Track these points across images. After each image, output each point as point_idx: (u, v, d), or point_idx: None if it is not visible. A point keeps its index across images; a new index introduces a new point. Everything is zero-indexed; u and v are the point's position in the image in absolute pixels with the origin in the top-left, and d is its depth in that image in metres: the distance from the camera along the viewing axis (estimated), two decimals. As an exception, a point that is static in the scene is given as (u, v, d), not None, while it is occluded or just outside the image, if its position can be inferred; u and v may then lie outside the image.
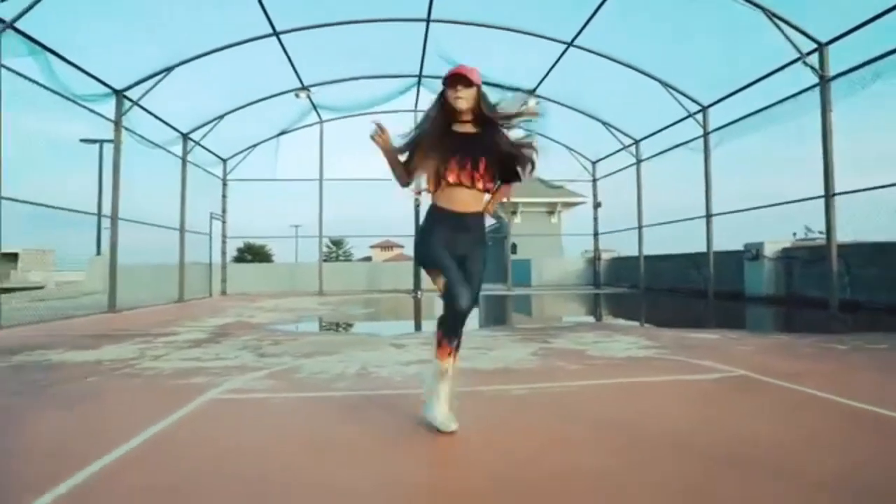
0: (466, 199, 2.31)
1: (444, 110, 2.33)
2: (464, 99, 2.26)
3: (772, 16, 7.66)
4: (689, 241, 11.66)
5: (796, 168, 9.02)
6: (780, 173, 9.88)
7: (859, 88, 7.14)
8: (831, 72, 7.60)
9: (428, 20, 9.46)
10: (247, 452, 2.13)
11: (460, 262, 2.29)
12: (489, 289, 17.45)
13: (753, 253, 9.97)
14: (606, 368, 3.82)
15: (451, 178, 2.26)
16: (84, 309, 8.68)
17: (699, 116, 10.45)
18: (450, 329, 2.26)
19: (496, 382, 3.37)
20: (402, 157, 2.38)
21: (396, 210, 18.87)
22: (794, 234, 10.09)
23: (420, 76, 12.17)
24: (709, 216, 10.60)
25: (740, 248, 10.48)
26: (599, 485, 1.78)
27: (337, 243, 49.81)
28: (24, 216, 6.93)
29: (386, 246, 55.41)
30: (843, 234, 7.74)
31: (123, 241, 8.85)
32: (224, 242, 14.36)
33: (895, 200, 7.52)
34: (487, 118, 2.33)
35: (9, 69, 6.39)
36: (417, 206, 13.67)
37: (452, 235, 2.31)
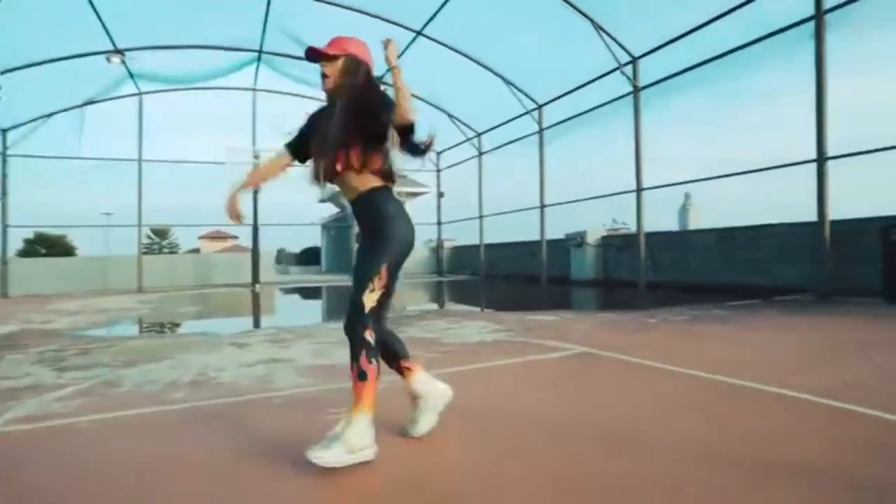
0: (347, 188, 2.09)
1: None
2: (329, 78, 2.00)
3: (598, 28, 8.57)
4: (525, 230, 12.67)
5: (615, 164, 10.28)
6: (600, 168, 11.22)
7: (659, 98, 8.37)
8: (642, 82, 8.78)
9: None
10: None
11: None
12: (330, 280, 17.03)
13: (578, 241, 11.18)
14: (462, 355, 3.87)
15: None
16: None
17: (535, 114, 11.33)
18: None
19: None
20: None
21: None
22: (604, 224, 11.61)
23: (260, 52, 11.21)
24: (542, 207, 11.61)
25: (562, 236, 11.68)
26: (473, 480, 1.74)
27: (160, 233, 44.29)
28: None
29: (217, 236, 50.66)
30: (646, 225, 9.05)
31: None
32: (4, 232, 11.65)
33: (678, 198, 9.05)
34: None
35: None
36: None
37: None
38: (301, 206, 28.07)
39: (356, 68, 2.02)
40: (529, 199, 12.01)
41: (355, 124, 1.94)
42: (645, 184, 8.81)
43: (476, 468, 1.80)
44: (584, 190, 10.53)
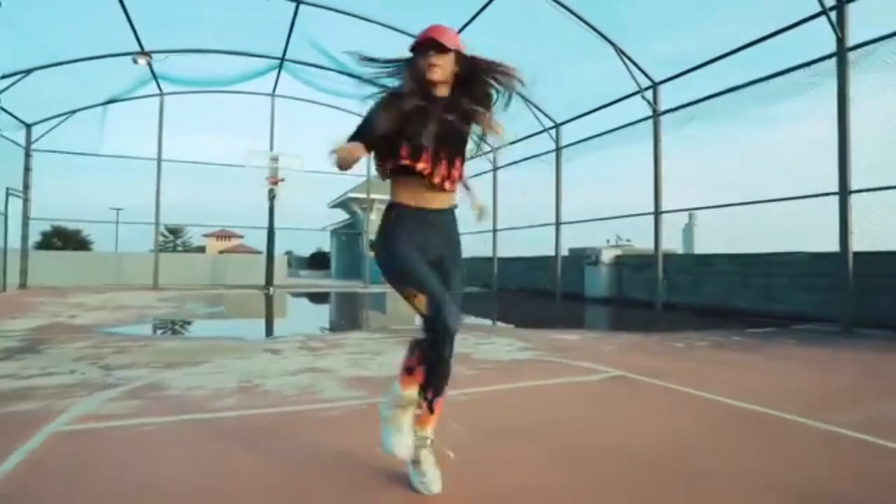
0: (439, 196, 1.91)
1: (413, 81, 1.87)
2: (439, 68, 1.83)
3: (620, 52, 8.70)
4: (536, 244, 12.73)
5: (631, 184, 10.36)
6: (615, 187, 11.32)
7: (680, 126, 8.50)
8: (662, 107, 8.89)
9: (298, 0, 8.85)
10: None
11: (437, 269, 1.88)
12: (341, 286, 17.08)
13: (593, 258, 11.23)
14: (500, 373, 3.90)
15: (421, 168, 1.84)
16: None
17: (553, 132, 11.45)
18: (435, 358, 1.79)
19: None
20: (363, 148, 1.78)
21: (239, 197, 17.55)
22: (608, 240, 11.71)
23: (283, 59, 11.37)
24: (558, 224, 11.68)
25: (565, 252, 11.78)
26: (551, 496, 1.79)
27: (174, 232, 44.45)
28: None
29: (222, 235, 50.81)
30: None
31: None
32: (26, 225, 11.76)
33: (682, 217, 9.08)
34: (468, 75, 1.92)
35: None
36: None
37: (424, 235, 1.88)
38: (308, 210, 28.13)
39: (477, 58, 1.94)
40: (543, 215, 12.08)
41: (467, 134, 1.97)
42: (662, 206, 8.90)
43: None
44: (597, 207, 10.61)
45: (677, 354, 4.83)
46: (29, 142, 11.57)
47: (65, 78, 10.53)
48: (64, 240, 25.94)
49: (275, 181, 12.72)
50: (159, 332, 6.32)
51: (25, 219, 11.64)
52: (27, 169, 11.56)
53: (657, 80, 8.90)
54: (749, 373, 4.04)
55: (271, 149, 13.62)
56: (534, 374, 3.88)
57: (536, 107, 11.16)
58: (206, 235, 52.22)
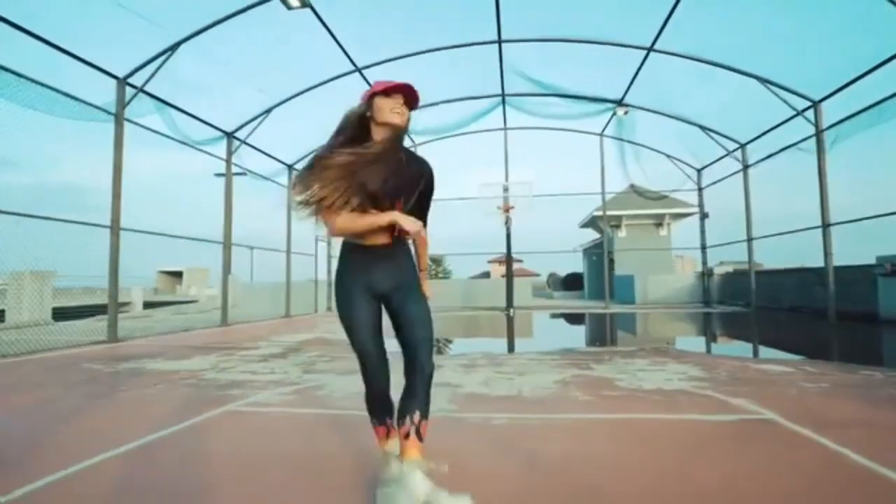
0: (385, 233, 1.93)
1: (361, 124, 1.91)
2: (401, 116, 1.88)
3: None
4: (815, 253, 10.23)
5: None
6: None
7: None
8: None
9: (500, 41, 9.61)
10: (214, 459, 2.46)
11: (391, 302, 1.93)
12: (585, 307, 16.83)
13: (888, 269, 8.48)
14: (618, 401, 3.60)
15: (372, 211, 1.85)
16: (207, 322, 10.10)
17: (809, 113, 9.19)
18: (372, 409, 2.06)
19: (488, 410, 3.38)
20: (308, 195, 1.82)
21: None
22: None
23: (503, 95, 12.33)
24: (826, 226, 9.22)
25: (873, 261, 8.99)
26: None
27: (436, 261, 51.12)
28: (184, 242, 8.57)
29: (503, 261, 55.67)
30: None
31: (256, 261, 10.26)
32: (329, 262, 15.67)
33: None
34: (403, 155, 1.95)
35: (144, 127, 7.84)
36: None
37: (370, 270, 1.92)
38: (562, 231, 28.56)
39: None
40: (813, 217, 9.69)
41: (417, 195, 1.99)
42: None
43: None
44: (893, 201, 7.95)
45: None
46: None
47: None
48: None
49: (507, 209, 13.70)
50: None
51: (329, 257, 15.56)
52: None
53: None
54: None
55: (506, 178, 14.74)
56: (654, 407, 3.43)
57: (782, 87, 9.21)
58: (490, 262, 58.20)
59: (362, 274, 1.92)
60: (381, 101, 1.86)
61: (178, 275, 36.38)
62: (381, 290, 1.93)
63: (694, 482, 2.15)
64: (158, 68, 7.59)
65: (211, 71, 8.33)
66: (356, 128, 1.90)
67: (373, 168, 1.84)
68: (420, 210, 2.00)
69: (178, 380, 4.55)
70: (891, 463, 2.25)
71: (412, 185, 1.93)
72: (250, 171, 10.82)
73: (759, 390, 3.84)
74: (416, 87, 1.90)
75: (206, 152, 9.44)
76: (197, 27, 7.50)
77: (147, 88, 7.78)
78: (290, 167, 12.72)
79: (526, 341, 8.48)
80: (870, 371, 4.64)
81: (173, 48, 7.55)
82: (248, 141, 10.34)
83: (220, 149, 9.87)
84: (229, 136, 9.95)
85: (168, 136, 8.50)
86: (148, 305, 18.24)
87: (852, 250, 9.38)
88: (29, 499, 2.06)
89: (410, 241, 2.08)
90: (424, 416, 1.79)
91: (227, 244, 9.98)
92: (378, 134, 1.90)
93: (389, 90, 1.86)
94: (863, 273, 9.14)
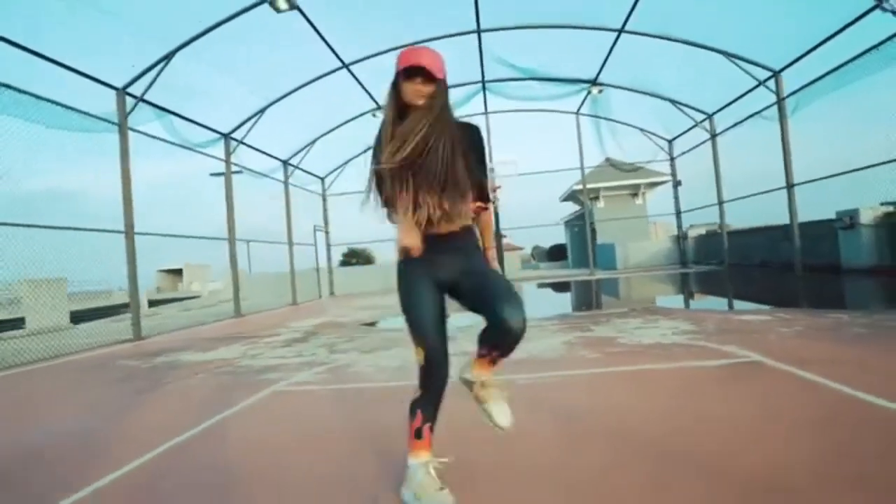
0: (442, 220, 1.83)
1: (396, 107, 1.83)
2: (422, 96, 1.78)
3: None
4: (781, 211, 10.81)
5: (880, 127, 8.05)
6: (862, 134, 8.89)
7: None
8: (923, 14, 6.77)
9: (479, 31, 9.91)
10: (273, 434, 2.89)
11: (460, 287, 1.85)
12: (572, 275, 17.45)
13: (847, 221, 9.07)
14: (623, 357, 4.05)
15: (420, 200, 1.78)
16: (219, 315, 10.47)
17: (770, 83, 9.71)
18: (425, 408, 1.90)
19: (509, 372, 3.80)
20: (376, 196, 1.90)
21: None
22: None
23: (483, 82, 12.69)
24: (790, 187, 9.81)
25: (833, 216, 9.59)
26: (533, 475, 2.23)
27: None
28: (182, 241, 8.86)
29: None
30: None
31: (255, 254, 10.61)
32: (328, 250, 16.02)
33: None
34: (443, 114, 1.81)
35: (145, 133, 8.07)
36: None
37: (433, 259, 1.83)
38: (546, 205, 29.15)
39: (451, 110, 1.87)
40: (779, 179, 10.25)
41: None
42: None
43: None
44: (851, 161, 8.46)
45: (879, 339, 3.97)
46: (324, 189, 15.76)
47: (337, 140, 14.00)
48: (357, 257, 33.35)
49: (494, 189, 14.09)
50: (386, 324, 8.06)
51: (328, 245, 15.93)
52: (325, 210, 15.79)
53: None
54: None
55: (490, 160, 15.11)
56: (653, 358, 3.88)
57: (745, 59, 9.67)
58: (475, 239, 59.04)
59: (427, 264, 1.82)
60: (402, 84, 1.79)
61: (177, 272, 36.53)
62: (447, 279, 1.85)
63: (709, 418, 2.52)
64: (157, 77, 7.80)
65: (207, 75, 8.54)
66: (396, 108, 1.83)
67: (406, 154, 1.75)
68: (466, 181, 1.83)
69: (215, 368, 4.94)
70: (862, 388, 2.70)
71: (445, 161, 1.77)
72: (247, 169, 11.08)
73: (744, 337, 4.35)
74: (432, 54, 1.78)
75: (206, 154, 9.70)
76: (191, 34, 7.70)
77: (146, 97, 8.00)
78: (285, 163, 12.97)
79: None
80: (836, 315, 5.18)
81: (169, 56, 7.76)
82: (245, 141, 10.59)
83: (219, 150, 10.12)
84: (227, 137, 10.19)
85: (169, 142, 8.73)
86: (153, 304, 18.53)
87: (816, 208, 9.94)
88: (118, 483, 2.28)
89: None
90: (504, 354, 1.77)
91: (231, 240, 10.30)
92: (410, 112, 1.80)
93: (406, 70, 1.76)
94: (825, 228, 9.74)
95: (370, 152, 1.94)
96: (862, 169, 8.04)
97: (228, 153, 10.25)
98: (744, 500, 1.70)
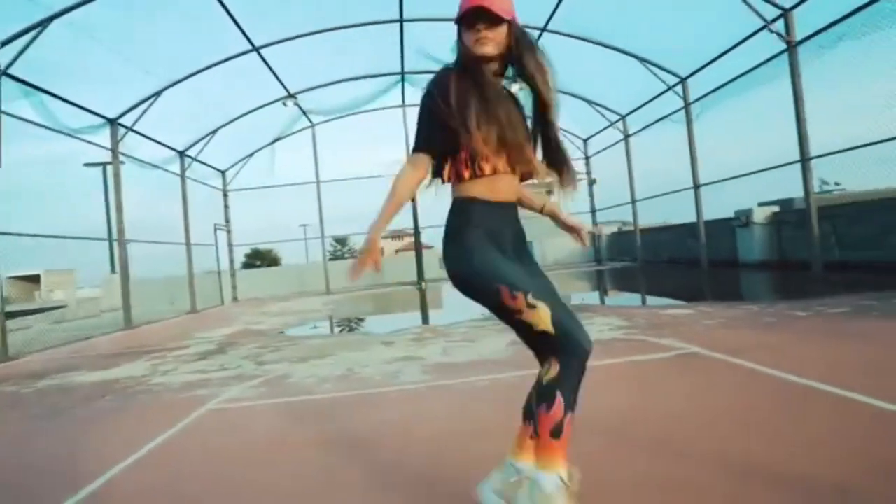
0: (510, 186, 1.59)
1: (464, 64, 1.53)
2: (490, 41, 1.48)
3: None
4: (688, 210, 11.78)
5: (771, 132, 9.13)
6: (758, 139, 10.02)
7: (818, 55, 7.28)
8: (797, 37, 7.68)
9: (401, 20, 9.67)
10: (223, 455, 2.50)
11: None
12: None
13: (743, 220, 10.13)
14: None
15: (501, 164, 1.51)
16: (104, 328, 9.21)
17: (679, 88, 10.56)
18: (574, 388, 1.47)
19: (465, 375, 3.68)
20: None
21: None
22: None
23: (402, 73, 12.41)
24: (696, 187, 10.76)
25: (732, 214, 10.66)
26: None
27: (341, 241, 50.31)
28: (42, 242, 7.48)
29: (395, 236, 56.00)
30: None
31: (137, 256, 9.38)
32: (230, 251, 14.84)
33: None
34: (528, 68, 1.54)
35: (8, 114, 6.80)
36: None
37: (501, 234, 1.56)
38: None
39: (531, 42, 1.59)
40: (687, 179, 11.19)
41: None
42: (813, 150, 7.69)
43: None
44: (750, 162, 9.45)
45: (786, 326, 4.40)
46: (225, 184, 14.56)
47: (241, 130, 12.99)
48: (261, 259, 31.59)
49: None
50: (310, 331, 7.62)
51: (230, 246, 14.74)
52: (226, 206, 14.59)
53: (787, 6, 7.71)
54: (856, 347, 3.55)
55: (406, 155, 14.93)
56: (600, 354, 3.94)
57: (656, 65, 10.42)
58: (383, 237, 58.16)
59: (492, 233, 1.53)
60: (463, 34, 1.52)
61: (34, 279, 31.75)
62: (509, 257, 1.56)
63: (664, 406, 2.68)
64: (26, 48, 6.63)
65: (90, 50, 7.42)
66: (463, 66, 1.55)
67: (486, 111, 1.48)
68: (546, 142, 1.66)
69: (124, 389, 4.29)
70: (789, 370, 2.97)
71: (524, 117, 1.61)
72: (135, 159, 9.84)
73: (676, 331, 4.59)
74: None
75: (87, 141, 8.44)
76: (72, 1, 6.65)
77: (11, 71, 6.77)
78: (181, 153, 11.75)
79: (448, 312, 8.90)
80: (748, 306, 5.69)
81: (43, 24, 6.62)
82: (135, 128, 9.37)
83: (103, 137, 8.87)
84: (113, 122, 8.95)
85: (39, 125, 7.48)
86: (8, 316, 15.88)
87: (717, 207, 10.98)
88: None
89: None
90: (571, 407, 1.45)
91: (121, 241, 9.11)
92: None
93: (465, 16, 1.48)
94: (725, 225, 10.80)
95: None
96: (753, 173, 9.03)
97: (116, 141, 9.02)
98: (748, 483, 1.71)
